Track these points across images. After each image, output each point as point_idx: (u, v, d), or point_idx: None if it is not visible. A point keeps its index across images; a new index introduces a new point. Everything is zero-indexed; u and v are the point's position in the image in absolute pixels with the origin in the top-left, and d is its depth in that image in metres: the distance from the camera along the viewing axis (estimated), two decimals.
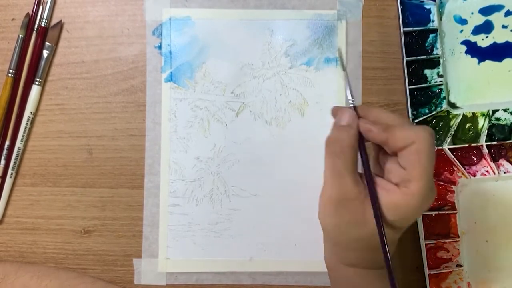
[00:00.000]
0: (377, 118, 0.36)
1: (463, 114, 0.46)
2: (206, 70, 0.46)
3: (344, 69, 0.43)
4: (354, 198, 0.34)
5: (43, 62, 0.46)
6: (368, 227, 0.34)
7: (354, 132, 0.35)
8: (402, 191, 0.33)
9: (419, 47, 0.46)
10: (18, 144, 0.45)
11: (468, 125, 0.46)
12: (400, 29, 0.46)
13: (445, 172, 0.46)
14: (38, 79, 0.46)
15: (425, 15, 0.46)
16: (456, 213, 0.46)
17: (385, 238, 0.33)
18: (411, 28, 0.46)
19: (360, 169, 0.35)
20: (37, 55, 0.45)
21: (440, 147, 0.45)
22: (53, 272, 0.45)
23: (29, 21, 0.46)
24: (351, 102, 0.37)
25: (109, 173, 0.46)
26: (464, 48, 0.47)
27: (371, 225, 0.34)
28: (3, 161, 0.45)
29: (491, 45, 0.47)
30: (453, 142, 0.46)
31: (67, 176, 0.46)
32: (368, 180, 0.35)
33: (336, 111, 0.37)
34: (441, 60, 0.46)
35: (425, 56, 0.46)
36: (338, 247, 0.38)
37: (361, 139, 0.35)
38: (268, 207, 0.46)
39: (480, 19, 0.46)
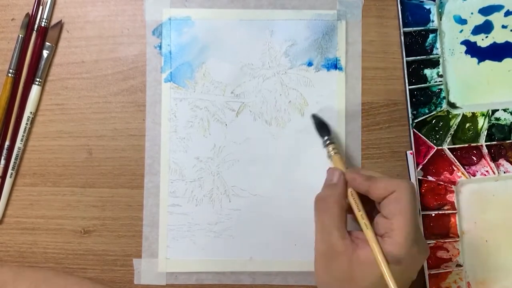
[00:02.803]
0: (364, 173, 0.39)
1: (463, 114, 0.46)
2: (206, 70, 0.46)
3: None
4: (341, 252, 0.35)
5: (43, 62, 0.46)
6: (356, 283, 0.35)
7: (341, 191, 0.38)
8: (386, 241, 0.34)
9: (419, 47, 0.46)
10: (18, 144, 0.45)
11: (468, 125, 0.46)
12: (400, 29, 0.46)
13: (445, 172, 0.46)
14: (38, 79, 0.46)
15: (425, 15, 0.46)
16: (456, 213, 0.46)
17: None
18: (411, 28, 0.46)
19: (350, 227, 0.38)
20: (37, 55, 0.45)
21: (440, 147, 0.45)
22: (52, 277, 0.44)
23: (29, 21, 0.46)
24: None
25: (109, 173, 0.46)
26: (464, 48, 0.47)
27: (360, 282, 0.35)
28: (3, 161, 0.45)
29: (491, 45, 0.47)
30: (453, 142, 0.46)
31: (67, 176, 0.46)
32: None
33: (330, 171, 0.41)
34: (441, 60, 0.46)
35: (425, 56, 0.46)
36: None
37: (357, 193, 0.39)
38: (268, 207, 0.46)
39: (480, 19, 0.47)
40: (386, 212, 0.35)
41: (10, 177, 0.46)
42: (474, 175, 0.46)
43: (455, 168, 0.46)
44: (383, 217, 0.36)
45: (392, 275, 0.33)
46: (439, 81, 0.46)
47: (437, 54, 0.46)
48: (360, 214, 0.37)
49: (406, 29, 0.46)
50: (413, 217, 0.34)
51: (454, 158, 0.45)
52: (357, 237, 0.37)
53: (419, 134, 0.45)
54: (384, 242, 0.35)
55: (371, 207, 0.39)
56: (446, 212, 0.45)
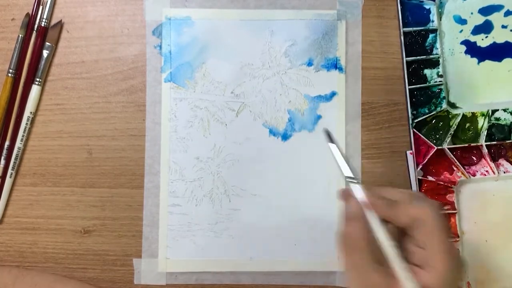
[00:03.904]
0: (384, 195, 0.35)
1: (463, 114, 0.46)
2: (206, 70, 0.46)
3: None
4: (380, 287, 0.32)
5: (43, 62, 0.46)
6: None
7: (362, 223, 0.34)
8: (430, 273, 0.32)
9: (419, 47, 0.46)
10: (18, 144, 0.45)
11: (467, 125, 0.46)
12: (400, 29, 0.46)
13: (445, 172, 0.46)
14: (38, 79, 0.46)
15: (425, 15, 0.46)
16: (456, 213, 0.46)
17: None
18: (411, 28, 0.46)
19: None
20: (37, 55, 0.45)
21: (440, 147, 0.45)
22: (52, 282, 0.44)
23: (29, 21, 0.46)
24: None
25: (109, 173, 0.46)
26: (463, 48, 0.47)
27: None
28: (3, 161, 0.45)
29: (490, 45, 0.47)
30: (453, 142, 0.46)
31: (67, 176, 0.46)
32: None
33: (343, 195, 0.36)
34: (440, 60, 0.46)
35: (424, 56, 0.46)
36: None
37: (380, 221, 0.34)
38: (268, 207, 0.46)
39: (480, 19, 0.47)
40: (419, 242, 0.32)
41: (10, 177, 0.46)
42: (474, 175, 0.46)
43: (455, 168, 0.46)
44: (417, 247, 0.33)
45: None
46: (439, 81, 0.46)
47: (437, 54, 0.46)
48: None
49: (406, 29, 0.46)
50: (448, 242, 0.32)
51: (454, 158, 0.45)
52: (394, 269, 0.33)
53: (419, 134, 0.45)
54: (423, 274, 0.32)
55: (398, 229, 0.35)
56: (446, 212, 0.45)
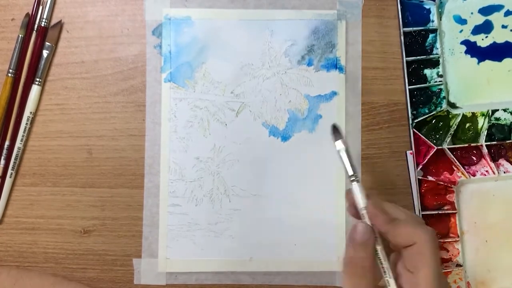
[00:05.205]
0: (387, 211, 0.35)
1: (463, 114, 0.46)
2: (206, 70, 0.46)
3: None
4: None
5: (43, 62, 0.46)
6: None
7: (371, 250, 0.34)
8: None
9: (419, 47, 0.46)
10: (18, 144, 0.45)
11: (467, 125, 0.46)
12: (400, 29, 0.46)
13: (445, 172, 0.46)
14: (38, 79, 0.46)
15: (425, 15, 0.46)
16: (456, 213, 0.46)
17: None
18: (411, 28, 0.46)
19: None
20: (37, 55, 0.45)
21: (440, 147, 0.45)
22: (50, 284, 0.44)
23: (29, 21, 0.46)
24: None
25: (109, 173, 0.46)
26: (463, 48, 0.47)
27: None
28: (3, 161, 0.45)
29: (490, 45, 0.47)
30: (453, 142, 0.46)
31: (66, 176, 0.46)
32: None
33: (349, 197, 0.36)
34: (440, 60, 0.46)
35: (424, 56, 0.46)
36: None
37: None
38: (268, 207, 0.46)
39: (480, 19, 0.46)
40: (409, 265, 0.34)
41: (10, 177, 0.46)
42: (474, 175, 0.46)
43: (455, 168, 0.46)
44: (406, 270, 0.34)
45: None
46: (439, 81, 0.46)
47: (437, 54, 0.46)
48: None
49: (406, 29, 0.46)
50: (438, 270, 0.33)
51: (454, 158, 0.45)
52: None
53: (419, 134, 0.45)
54: None
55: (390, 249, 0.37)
56: (446, 212, 0.45)
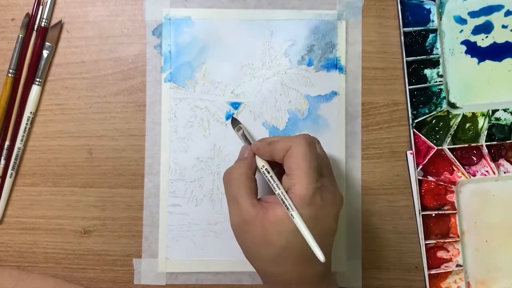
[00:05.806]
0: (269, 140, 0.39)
1: (463, 114, 0.46)
2: (206, 70, 0.46)
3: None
4: (253, 219, 0.36)
5: (43, 62, 0.46)
6: (273, 244, 0.35)
7: (247, 162, 0.39)
8: (290, 196, 0.35)
9: (419, 47, 0.46)
10: (18, 144, 0.45)
11: (468, 125, 0.46)
12: (400, 29, 0.46)
13: (445, 172, 0.46)
14: (38, 79, 0.46)
15: (425, 15, 0.46)
16: (456, 213, 0.46)
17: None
18: (411, 28, 0.46)
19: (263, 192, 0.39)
20: (37, 55, 0.45)
21: (440, 147, 0.45)
22: (51, 286, 0.45)
23: (29, 21, 0.46)
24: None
25: (109, 173, 0.46)
26: (464, 48, 0.47)
27: (276, 242, 0.35)
28: (3, 161, 0.45)
29: (491, 45, 0.47)
30: (453, 142, 0.46)
31: (67, 176, 0.46)
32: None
33: (243, 150, 0.42)
34: (441, 60, 0.46)
35: (425, 56, 0.46)
36: (263, 276, 0.39)
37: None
38: None
39: (480, 19, 0.46)
40: (287, 169, 0.36)
41: (10, 177, 0.46)
42: (474, 175, 0.46)
43: (455, 168, 0.46)
44: (286, 175, 0.36)
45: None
46: (439, 81, 0.46)
47: (437, 54, 0.46)
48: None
49: (406, 29, 0.46)
50: (310, 168, 0.35)
51: (454, 158, 0.45)
52: (267, 201, 0.37)
53: (419, 134, 0.45)
54: (289, 196, 0.35)
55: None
56: (446, 212, 0.45)
